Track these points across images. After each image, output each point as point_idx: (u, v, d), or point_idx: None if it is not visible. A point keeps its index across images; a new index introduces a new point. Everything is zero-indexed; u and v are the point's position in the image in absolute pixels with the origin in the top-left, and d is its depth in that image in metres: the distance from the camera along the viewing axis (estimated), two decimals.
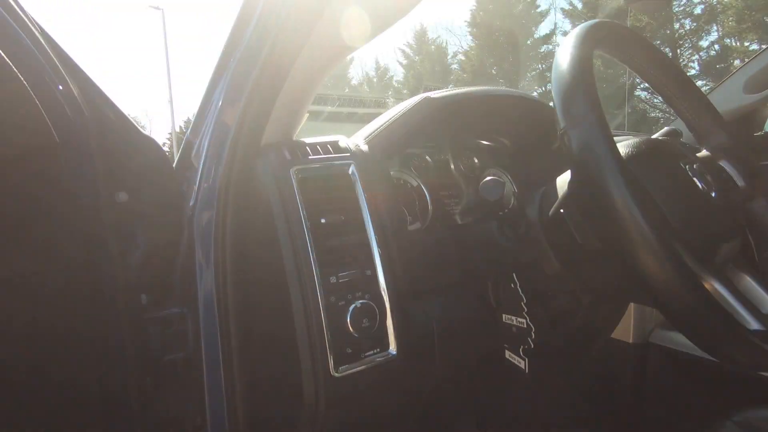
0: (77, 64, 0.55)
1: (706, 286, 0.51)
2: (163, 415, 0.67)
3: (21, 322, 0.53)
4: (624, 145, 0.57)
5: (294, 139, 0.71)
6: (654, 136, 0.88)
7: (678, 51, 12.99)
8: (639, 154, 0.54)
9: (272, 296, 0.62)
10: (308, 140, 0.68)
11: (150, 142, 0.64)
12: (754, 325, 0.49)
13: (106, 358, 0.62)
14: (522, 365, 0.66)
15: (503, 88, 0.84)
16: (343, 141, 0.70)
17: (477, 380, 0.78)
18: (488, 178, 0.57)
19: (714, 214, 0.54)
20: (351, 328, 0.57)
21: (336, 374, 0.56)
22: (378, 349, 0.59)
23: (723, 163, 0.68)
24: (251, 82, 0.59)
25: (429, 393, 0.71)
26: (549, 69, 16.22)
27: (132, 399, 0.62)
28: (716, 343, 0.46)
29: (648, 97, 13.31)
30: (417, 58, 20.71)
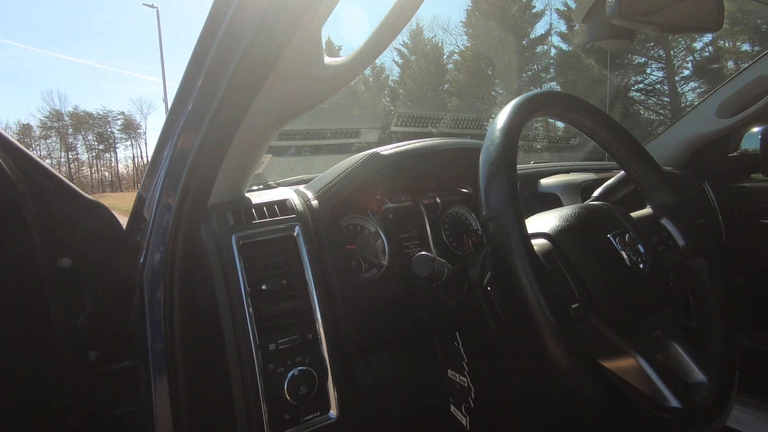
0: (8, 137, 0.56)
1: (627, 362, 0.52)
2: None
3: None
4: (555, 217, 0.58)
5: (244, 195, 0.72)
6: (608, 183, 0.90)
7: (671, 53, 13.03)
8: (567, 228, 0.56)
9: (216, 360, 0.63)
10: (255, 200, 0.69)
11: (97, 206, 0.65)
12: (673, 402, 0.50)
13: (55, 416, 0.62)
14: (464, 422, 0.67)
15: (451, 141, 0.85)
16: (291, 200, 0.70)
17: None
18: (420, 253, 0.58)
19: (640, 286, 0.55)
20: (288, 396, 0.58)
21: None
22: (318, 413, 0.60)
23: (665, 221, 0.69)
24: (197, 142, 0.59)
25: None
26: (544, 70, 16.24)
27: None
28: (623, 427, 0.48)
29: (642, 98, 13.36)
30: (413, 57, 20.67)
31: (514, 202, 0.46)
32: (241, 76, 0.53)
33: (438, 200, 0.92)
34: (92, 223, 0.64)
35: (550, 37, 16.33)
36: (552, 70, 15.84)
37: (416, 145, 0.79)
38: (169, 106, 0.64)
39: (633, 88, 12.95)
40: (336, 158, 0.87)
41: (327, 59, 0.57)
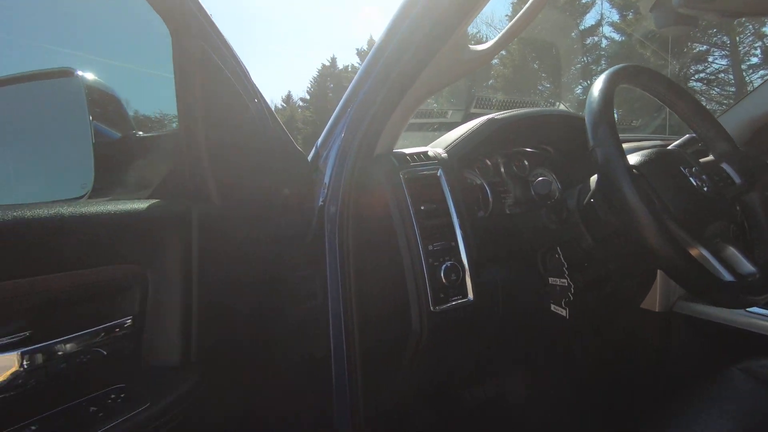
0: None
1: (695, 252, 0.73)
2: (300, 350, 0.96)
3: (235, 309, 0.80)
4: (639, 155, 0.80)
5: (394, 150, 0.99)
6: (675, 143, 1.09)
7: (738, 38, 12.27)
8: (648, 161, 0.78)
9: (384, 262, 0.89)
10: (405, 151, 0.96)
11: (301, 154, 0.93)
12: (727, 277, 0.71)
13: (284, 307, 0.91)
14: (564, 313, 0.90)
15: (549, 108, 1.09)
16: (431, 151, 0.96)
17: (527, 329, 1.03)
18: (540, 178, 0.82)
19: (704, 203, 0.76)
20: (444, 280, 0.84)
21: (434, 310, 0.83)
22: (461, 296, 0.86)
23: (724, 165, 0.89)
24: (377, 105, 0.85)
25: (491, 335, 0.97)
26: (594, 62, 15.73)
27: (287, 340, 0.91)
28: (700, 291, 0.70)
29: (704, 88, 12.70)
30: None
31: (614, 135, 0.69)
32: (417, 55, 0.79)
33: (526, 163, 1.15)
34: (298, 165, 0.93)
35: (600, 28, 15.81)
36: (603, 62, 15.33)
37: (522, 111, 1.03)
38: (358, 76, 0.90)
39: (693, 78, 12.33)
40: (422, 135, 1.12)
41: (471, 46, 0.83)
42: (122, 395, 0.54)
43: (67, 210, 0.52)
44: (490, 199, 1.07)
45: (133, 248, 0.59)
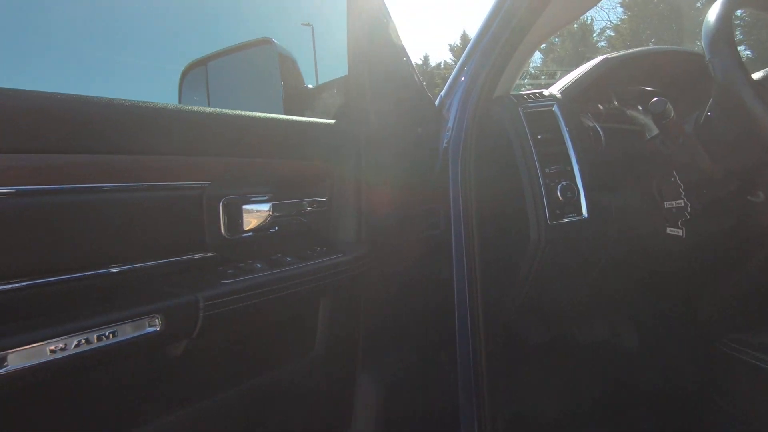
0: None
1: None
2: (424, 271, 1.13)
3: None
4: (759, 72, 0.83)
5: (511, 93, 1.12)
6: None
7: None
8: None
9: (504, 188, 1.03)
10: (522, 92, 1.09)
11: (430, 100, 1.12)
12: None
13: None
14: (681, 233, 0.95)
15: (663, 46, 1.13)
16: (545, 92, 1.08)
17: (641, 255, 1.09)
18: (655, 99, 0.89)
19: None
20: (560, 197, 0.95)
21: (550, 223, 0.95)
22: (575, 214, 0.96)
23: None
24: (500, 45, 1.00)
25: (604, 253, 1.05)
26: None
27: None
28: None
29: None
30: (556, 40, 19.53)
31: (732, 47, 0.75)
32: None
33: (639, 107, 1.20)
34: (431, 110, 1.11)
35: None
36: (739, 32, 13.23)
37: (634, 50, 1.10)
38: (484, 20, 1.05)
39: None
40: None
41: None
42: (324, 249, 0.78)
43: (290, 119, 0.76)
44: (603, 139, 1.14)
45: (325, 151, 0.82)
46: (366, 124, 0.90)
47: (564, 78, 1.15)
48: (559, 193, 0.96)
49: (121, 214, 0.56)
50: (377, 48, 0.91)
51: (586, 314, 1.28)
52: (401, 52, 0.96)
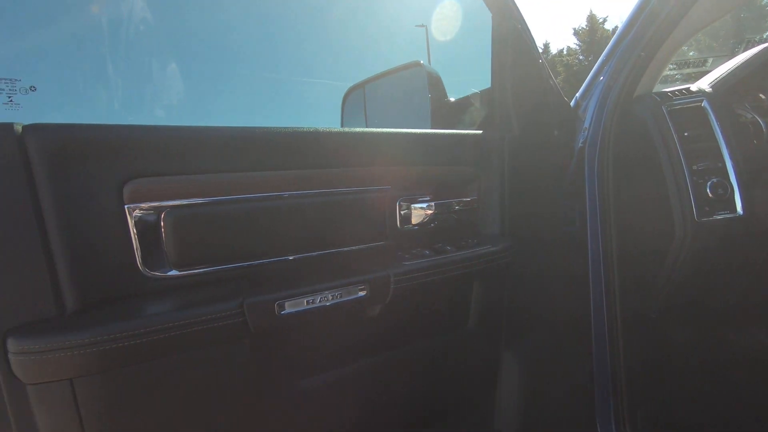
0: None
1: None
2: (560, 265, 1.19)
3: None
4: None
5: (653, 91, 1.12)
6: None
7: None
8: None
9: (645, 185, 1.05)
10: (666, 90, 1.08)
11: (566, 103, 1.18)
12: None
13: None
14: None
15: None
16: (693, 87, 1.06)
17: None
18: None
19: None
20: (709, 194, 0.95)
21: (698, 220, 0.95)
22: (728, 211, 0.95)
23: None
24: (644, 42, 1.02)
25: (763, 253, 1.00)
26: None
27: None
28: None
29: None
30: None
31: None
32: None
33: None
34: (567, 112, 1.17)
35: None
36: None
37: None
38: (627, 18, 1.08)
39: None
40: None
41: None
42: (475, 241, 0.92)
43: (448, 132, 0.92)
44: (764, 131, 1.07)
45: (473, 157, 0.97)
46: (509, 131, 1.02)
47: (718, 68, 1.11)
48: (708, 190, 0.95)
49: (337, 211, 0.78)
50: (517, 57, 1.02)
51: (739, 317, 1.20)
52: (537, 56, 1.05)
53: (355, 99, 1.42)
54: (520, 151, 1.03)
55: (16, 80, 0.58)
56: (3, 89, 0.59)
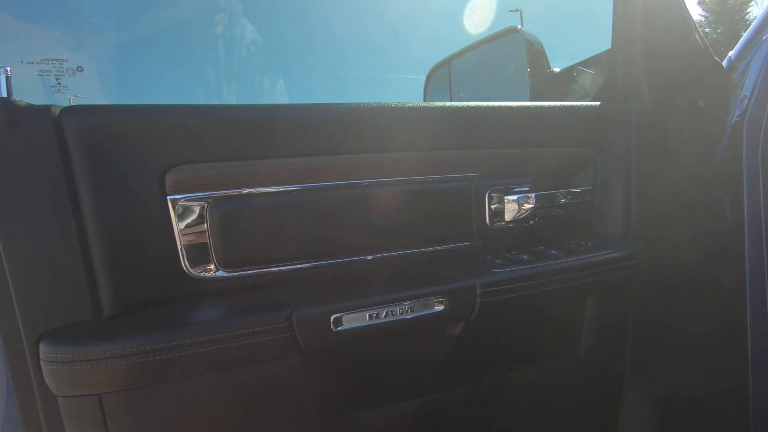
0: None
1: None
2: (706, 272, 0.91)
3: None
4: None
5: None
6: None
7: None
8: None
9: None
10: None
11: (718, 65, 0.89)
12: None
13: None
14: None
15: None
16: None
17: None
18: None
19: None
20: None
21: None
22: None
23: None
24: None
25: None
26: None
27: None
28: None
29: None
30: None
31: None
32: None
33: None
34: (719, 76, 0.89)
35: None
36: None
37: None
38: None
39: None
40: None
41: None
42: (590, 244, 0.71)
43: (552, 104, 0.72)
44: None
45: (589, 136, 0.75)
46: (637, 102, 0.78)
47: None
48: None
49: (411, 204, 0.64)
50: (650, 8, 0.77)
51: None
52: (678, 5, 0.79)
53: (439, 78, 1.25)
54: (652, 127, 0.78)
55: (63, 60, 0.55)
56: (51, 71, 0.55)
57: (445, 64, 1.24)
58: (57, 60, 0.57)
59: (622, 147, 0.75)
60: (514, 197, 0.70)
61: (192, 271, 0.56)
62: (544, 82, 1.01)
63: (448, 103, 0.66)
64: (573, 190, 0.75)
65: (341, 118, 0.59)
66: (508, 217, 0.69)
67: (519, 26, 1.02)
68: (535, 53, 1.02)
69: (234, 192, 0.56)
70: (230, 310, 0.52)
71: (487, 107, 0.68)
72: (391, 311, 0.55)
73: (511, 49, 1.04)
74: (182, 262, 0.55)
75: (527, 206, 0.70)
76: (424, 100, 1.32)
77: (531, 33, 1.02)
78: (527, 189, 0.71)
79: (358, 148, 0.61)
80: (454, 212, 0.67)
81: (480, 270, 0.62)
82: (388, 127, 0.62)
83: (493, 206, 0.69)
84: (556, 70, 1.03)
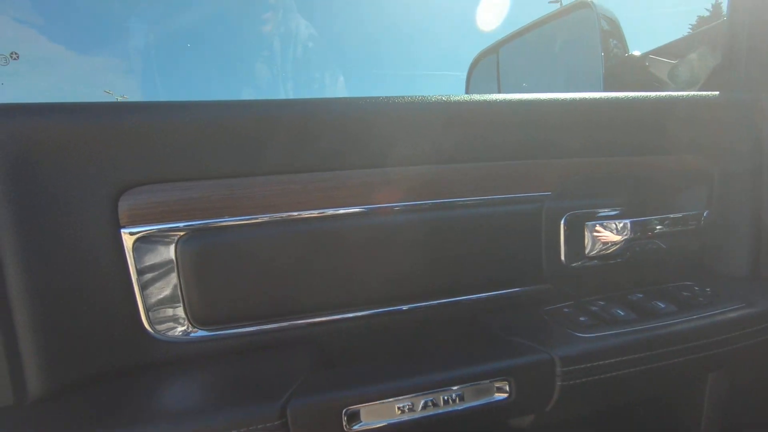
0: None
1: None
2: None
3: None
4: None
5: None
6: None
7: None
8: None
9: None
10: None
11: None
12: None
13: None
14: None
15: None
16: None
17: None
18: None
19: None
20: None
21: None
22: None
23: None
24: None
25: None
26: None
27: None
28: None
29: None
30: None
31: None
32: None
33: None
34: None
35: None
36: None
37: None
38: None
39: None
40: None
41: None
42: (696, 289, 0.51)
43: (649, 96, 0.53)
44: None
45: (697, 139, 0.55)
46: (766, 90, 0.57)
47: None
48: None
49: (456, 234, 0.46)
50: None
51: None
52: None
53: (486, 68, 1.06)
54: None
55: None
56: None
57: (492, 52, 1.04)
58: None
59: (748, 153, 0.54)
60: (600, 224, 0.50)
61: (156, 330, 0.41)
62: (623, 70, 0.80)
63: (507, 96, 0.48)
64: (680, 214, 0.54)
65: (361, 117, 0.42)
66: (591, 251, 0.50)
67: (592, 1, 0.82)
68: (611, 33, 0.81)
69: (214, 222, 0.41)
70: (202, 394, 0.37)
71: (563, 101, 0.49)
72: (431, 401, 0.37)
73: (578, 29, 0.84)
74: (142, 318, 0.40)
75: (617, 237, 0.51)
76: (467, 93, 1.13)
77: (605, 7, 0.82)
78: (617, 213, 0.52)
79: (384, 159, 0.44)
80: (516, 245, 0.49)
81: (557, 333, 0.43)
82: (424, 129, 0.44)
83: (571, 236, 0.50)
84: (637, 53, 0.82)
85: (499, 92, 1.02)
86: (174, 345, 0.41)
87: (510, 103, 0.47)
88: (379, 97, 0.43)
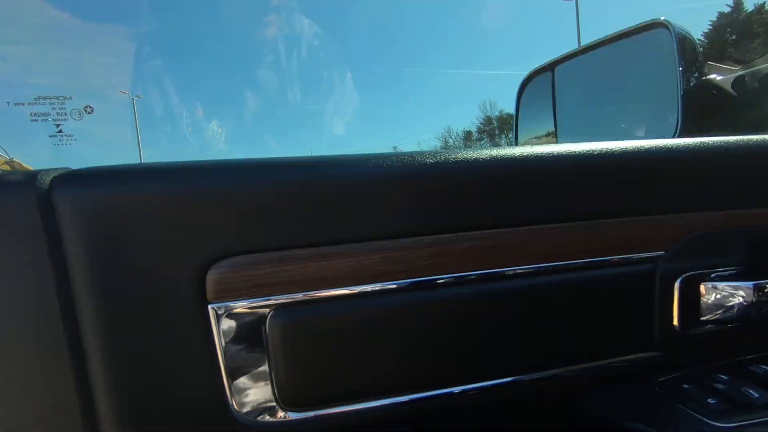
0: None
1: None
2: None
3: None
4: None
5: None
6: None
7: None
8: None
9: None
10: None
11: None
12: None
13: None
14: None
15: None
16: None
17: None
18: None
19: None
20: None
21: None
22: None
23: None
24: None
25: None
26: None
27: None
28: None
29: None
30: None
31: None
32: None
33: None
34: None
35: None
36: None
37: None
38: None
39: None
40: None
41: None
42: None
43: (730, 141, 0.47)
44: None
45: None
46: None
47: None
48: None
49: (550, 302, 0.42)
50: None
51: None
52: None
53: (539, 86, 1.01)
54: None
55: (64, 98, 0.38)
56: (48, 113, 0.38)
57: (547, 70, 0.99)
58: (57, 98, 0.39)
59: None
60: (718, 285, 0.45)
61: (243, 412, 0.37)
62: (699, 94, 0.75)
63: (609, 145, 0.43)
64: None
65: (482, 173, 0.38)
66: (707, 315, 0.45)
67: (662, 18, 0.76)
68: (688, 56, 0.76)
69: (308, 294, 0.37)
70: None
71: (677, 148, 0.44)
72: None
73: (652, 49, 0.78)
74: (229, 399, 0.36)
75: (737, 300, 0.45)
76: (517, 115, 1.08)
77: (681, 27, 0.76)
78: (736, 271, 0.46)
79: (496, 219, 0.40)
80: (624, 309, 0.44)
81: (684, 418, 0.39)
82: (524, 183, 0.40)
83: (685, 300, 0.45)
84: (716, 77, 0.77)
85: (554, 113, 0.97)
86: (261, 427, 0.37)
87: (613, 154, 0.42)
88: (486, 151, 0.39)
